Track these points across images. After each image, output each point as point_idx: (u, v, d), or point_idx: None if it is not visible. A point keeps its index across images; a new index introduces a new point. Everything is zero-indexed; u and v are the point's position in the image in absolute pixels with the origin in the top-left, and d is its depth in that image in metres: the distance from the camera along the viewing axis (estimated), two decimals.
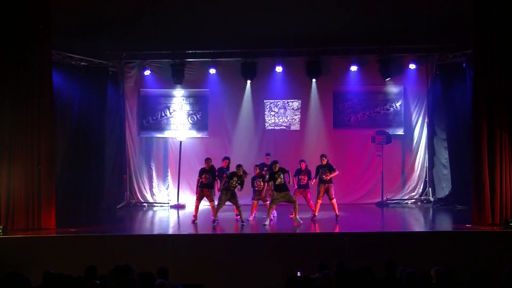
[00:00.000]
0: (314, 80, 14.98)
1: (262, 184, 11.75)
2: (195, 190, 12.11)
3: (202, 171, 11.86)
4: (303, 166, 12.19)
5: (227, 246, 9.88)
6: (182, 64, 15.07)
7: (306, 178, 12.06)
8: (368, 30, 13.76)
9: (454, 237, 9.86)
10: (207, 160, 11.99)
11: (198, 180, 11.85)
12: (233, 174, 11.36)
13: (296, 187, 12.07)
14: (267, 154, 13.01)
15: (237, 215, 11.69)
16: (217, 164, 12.32)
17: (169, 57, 15.01)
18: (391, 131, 14.86)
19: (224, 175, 11.65)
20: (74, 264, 8.52)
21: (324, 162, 11.85)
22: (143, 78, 15.25)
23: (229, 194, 11.31)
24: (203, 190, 11.76)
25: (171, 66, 15.04)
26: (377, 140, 14.83)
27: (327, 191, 11.75)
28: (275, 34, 13.67)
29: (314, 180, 11.98)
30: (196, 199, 11.89)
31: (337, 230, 10.92)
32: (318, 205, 11.90)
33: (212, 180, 11.77)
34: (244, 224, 11.25)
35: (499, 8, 10.78)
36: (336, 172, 11.84)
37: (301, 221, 11.16)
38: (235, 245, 9.90)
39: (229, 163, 12.12)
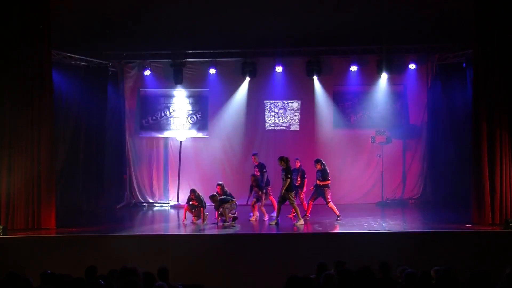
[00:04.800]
0: (314, 80, 14.98)
1: (260, 193, 11.89)
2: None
3: (189, 199, 11.81)
4: (297, 165, 12.28)
5: (227, 246, 9.88)
6: (182, 64, 15.07)
7: (299, 178, 12.21)
8: (368, 30, 13.77)
9: (454, 237, 9.85)
10: (192, 191, 11.83)
11: (187, 204, 11.84)
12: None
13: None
14: (254, 154, 12.89)
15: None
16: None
17: (169, 57, 15.02)
18: (391, 131, 14.87)
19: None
20: (74, 264, 8.54)
21: (319, 167, 11.85)
22: (143, 78, 15.25)
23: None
24: (192, 211, 11.77)
25: (171, 66, 15.04)
26: (377, 140, 14.84)
27: (322, 195, 11.77)
28: (275, 34, 13.68)
29: (305, 181, 12.31)
30: (184, 209, 11.94)
31: (337, 230, 10.91)
32: (310, 206, 12.03)
33: (200, 205, 11.69)
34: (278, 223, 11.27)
35: (499, 8, 10.78)
36: (328, 182, 11.78)
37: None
38: (235, 245, 9.89)
39: (222, 188, 11.89)
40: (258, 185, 11.97)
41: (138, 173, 15.45)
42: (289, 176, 11.08)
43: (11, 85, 11.00)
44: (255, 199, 11.99)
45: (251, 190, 12.11)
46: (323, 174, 11.75)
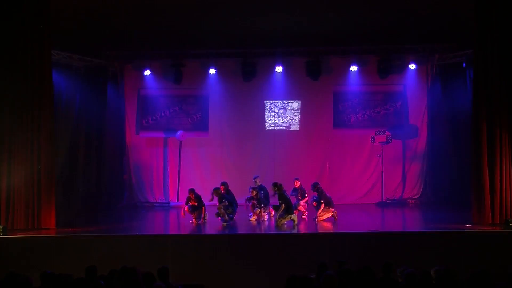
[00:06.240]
0: (314, 80, 14.96)
1: (258, 209, 11.82)
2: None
3: (188, 199, 11.76)
4: (297, 184, 12.31)
5: (227, 246, 9.88)
6: (182, 64, 15.06)
7: (300, 197, 12.24)
8: (368, 30, 13.76)
9: (454, 237, 9.85)
10: (191, 190, 11.79)
11: (187, 206, 11.76)
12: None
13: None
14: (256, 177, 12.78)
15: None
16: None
17: (169, 57, 15.00)
18: (391, 131, 14.87)
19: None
20: (74, 264, 8.52)
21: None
22: (143, 78, 15.24)
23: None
24: (192, 213, 11.71)
25: (171, 66, 15.03)
26: (377, 140, 14.85)
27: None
28: (275, 34, 13.66)
29: (306, 199, 12.17)
30: (185, 210, 11.87)
31: (337, 230, 10.91)
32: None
33: (200, 205, 11.67)
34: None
35: (499, 8, 10.77)
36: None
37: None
38: (235, 245, 9.89)
39: (226, 187, 11.95)
40: (259, 200, 11.90)
41: (138, 173, 15.45)
42: (281, 202, 11.14)
43: (11, 85, 10.98)
44: (255, 202, 11.98)
45: (249, 201, 12.01)
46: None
